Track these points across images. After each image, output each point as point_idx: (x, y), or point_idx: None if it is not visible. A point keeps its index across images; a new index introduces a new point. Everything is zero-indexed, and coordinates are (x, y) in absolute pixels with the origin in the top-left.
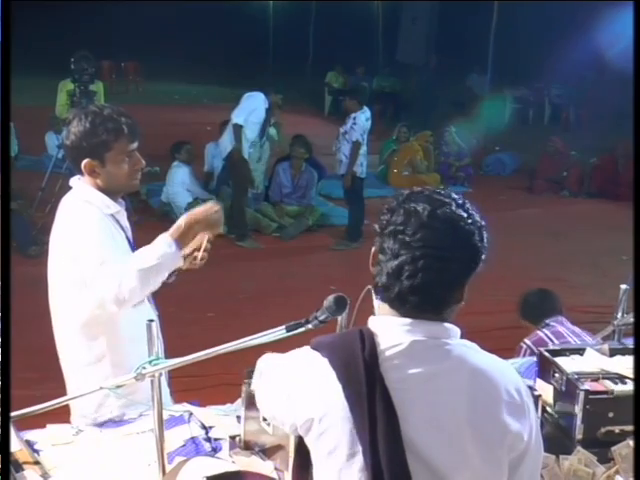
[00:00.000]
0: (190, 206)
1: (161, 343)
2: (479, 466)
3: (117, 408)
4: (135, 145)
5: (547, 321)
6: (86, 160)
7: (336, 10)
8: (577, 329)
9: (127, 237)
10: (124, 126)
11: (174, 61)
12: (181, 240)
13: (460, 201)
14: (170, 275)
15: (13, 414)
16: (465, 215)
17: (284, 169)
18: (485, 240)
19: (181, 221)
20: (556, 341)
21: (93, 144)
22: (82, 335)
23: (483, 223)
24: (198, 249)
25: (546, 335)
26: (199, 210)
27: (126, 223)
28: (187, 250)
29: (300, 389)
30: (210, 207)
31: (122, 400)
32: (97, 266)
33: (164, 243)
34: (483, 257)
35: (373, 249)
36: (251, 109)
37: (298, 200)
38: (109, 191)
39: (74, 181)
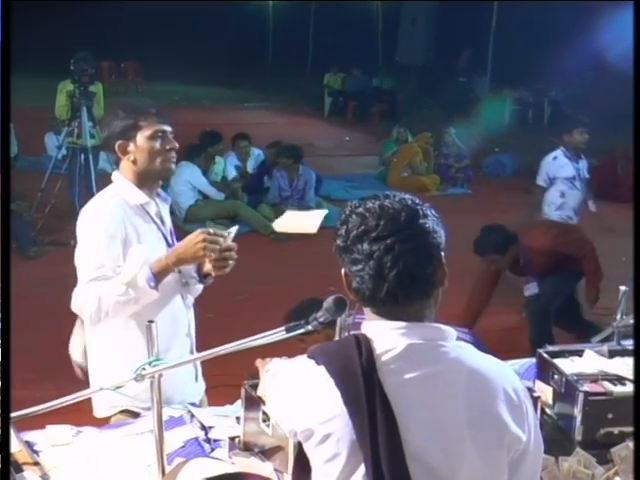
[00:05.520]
0: (191, 207)
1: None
2: (479, 467)
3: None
4: (166, 127)
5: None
6: (119, 141)
7: (336, 11)
8: None
9: (159, 229)
10: (151, 108)
11: (174, 62)
12: (161, 275)
13: (399, 195)
14: (206, 278)
15: (13, 415)
16: (408, 197)
17: (282, 175)
18: (434, 213)
19: (163, 256)
20: None
21: (124, 126)
22: (110, 322)
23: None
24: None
25: None
26: (180, 245)
27: (162, 215)
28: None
29: (298, 398)
30: (193, 239)
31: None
32: (93, 270)
33: (144, 277)
34: (440, 229)
35: (343, 271)
36: None
37: (297, 202)
38: (144, 176)
39: (115, 175)
